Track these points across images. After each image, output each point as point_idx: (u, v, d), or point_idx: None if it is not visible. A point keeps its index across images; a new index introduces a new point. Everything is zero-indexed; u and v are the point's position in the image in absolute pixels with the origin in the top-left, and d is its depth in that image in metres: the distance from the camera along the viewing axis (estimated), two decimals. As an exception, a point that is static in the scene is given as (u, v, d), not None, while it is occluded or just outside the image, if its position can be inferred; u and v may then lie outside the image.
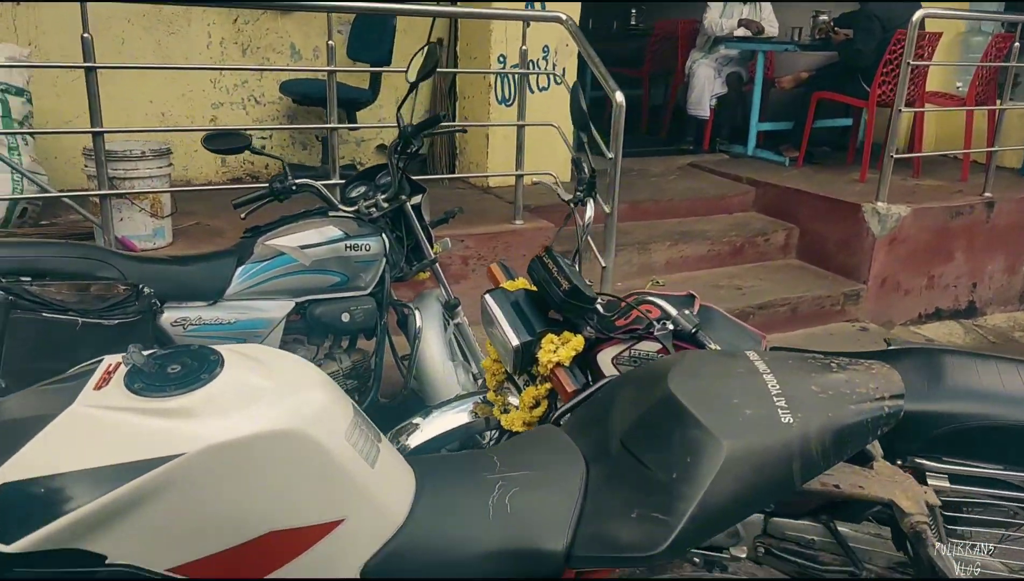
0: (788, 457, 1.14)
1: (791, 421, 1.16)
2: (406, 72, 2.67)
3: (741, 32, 6.54)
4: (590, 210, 2.15)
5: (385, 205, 2.75)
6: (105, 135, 3.29)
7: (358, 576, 1.15)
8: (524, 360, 2.00)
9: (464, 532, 1.19)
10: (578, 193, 2.19)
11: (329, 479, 1.12)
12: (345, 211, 2.75)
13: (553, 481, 1.24)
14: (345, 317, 2.64)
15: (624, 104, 3.69)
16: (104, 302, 2.11)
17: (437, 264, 2.90)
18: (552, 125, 4.10)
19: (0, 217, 3.48)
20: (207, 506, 1.06)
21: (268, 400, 1.12)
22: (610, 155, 3.75)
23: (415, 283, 3.12)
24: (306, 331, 2.69)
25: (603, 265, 3.87)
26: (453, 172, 5.26)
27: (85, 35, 3.09)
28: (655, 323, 1.91)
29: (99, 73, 4.37)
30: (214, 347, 1.19)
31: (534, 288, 2.04)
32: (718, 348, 1.84)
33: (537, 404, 2.07)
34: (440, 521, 1.20)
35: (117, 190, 3.31)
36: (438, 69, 5.22)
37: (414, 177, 2.85)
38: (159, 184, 3.45)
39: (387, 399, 2.82)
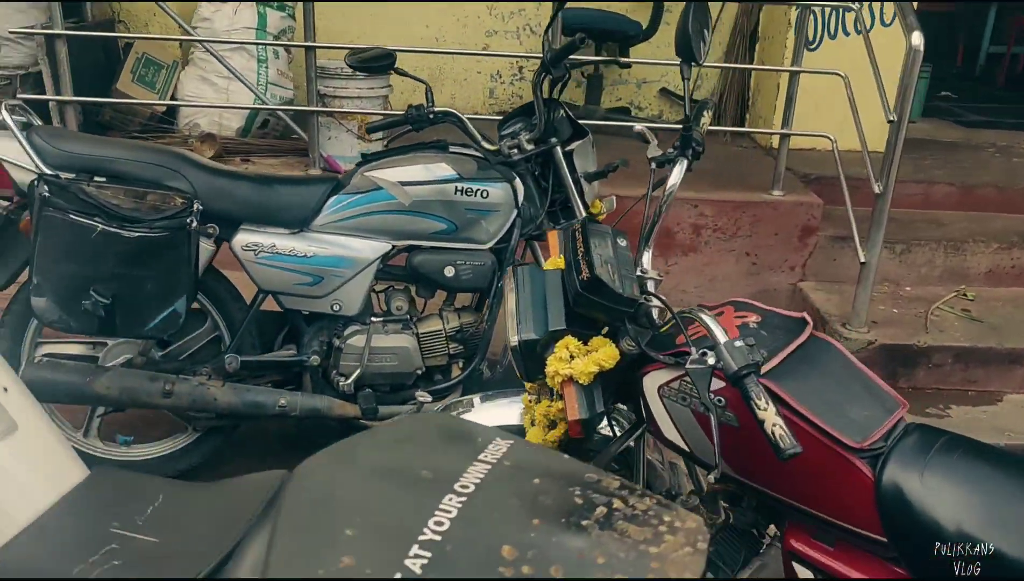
0: None
1: None
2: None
3: None
4: (676, 174, 1.51)
5: (529, 147, 2.30)
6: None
7: None
8: (532, 364, 1.48)
9: None
10: (670, 150, 1.55)
11: None
12: (483, 149, 2.34)
13: (165, 568, 0.79)
14: (448, 271, 2.27)
15: (921, 47, 2.73)
16: (158, 213, 1.99)
17: (590, 225, 2.38)
18: (837, 73, 3.22)
19: (240, 125, 3.65)
20: None
21: None
22: (891, 117, 2.83)
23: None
24: (412, 280, 2.37)
25: (861, 260, 2.98)
26: (743, 125, 4.48)
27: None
28: (694, 350, 1.27)
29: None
30: None
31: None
32: (766, 408, 1.16)
33: (555, 425, 1.55)
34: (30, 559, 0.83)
35: (321, 108, 3.26)
36: (741, 2, 4.49)
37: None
38: (370, 105, 3.33)
39: (490, 372, 2.42)
